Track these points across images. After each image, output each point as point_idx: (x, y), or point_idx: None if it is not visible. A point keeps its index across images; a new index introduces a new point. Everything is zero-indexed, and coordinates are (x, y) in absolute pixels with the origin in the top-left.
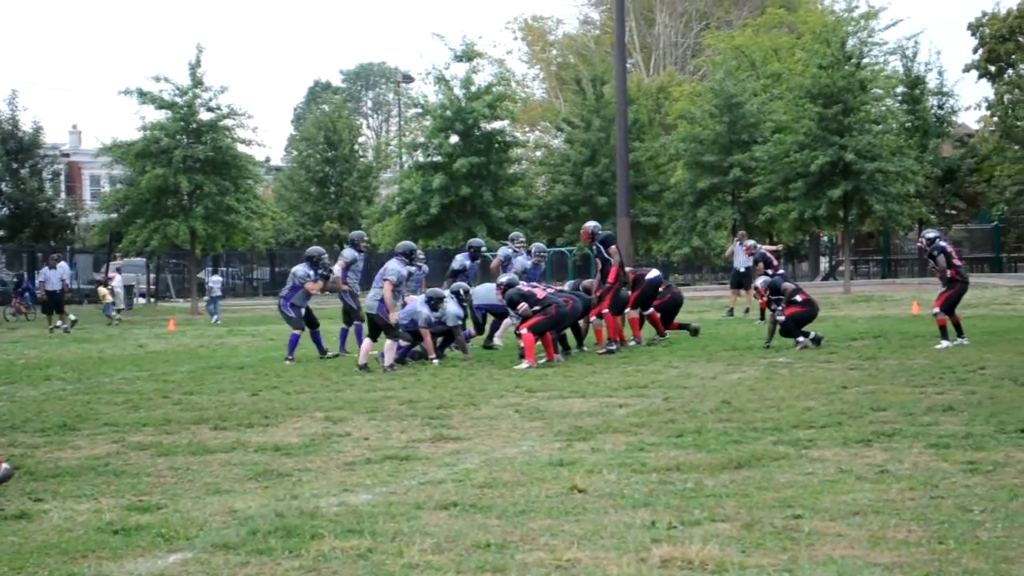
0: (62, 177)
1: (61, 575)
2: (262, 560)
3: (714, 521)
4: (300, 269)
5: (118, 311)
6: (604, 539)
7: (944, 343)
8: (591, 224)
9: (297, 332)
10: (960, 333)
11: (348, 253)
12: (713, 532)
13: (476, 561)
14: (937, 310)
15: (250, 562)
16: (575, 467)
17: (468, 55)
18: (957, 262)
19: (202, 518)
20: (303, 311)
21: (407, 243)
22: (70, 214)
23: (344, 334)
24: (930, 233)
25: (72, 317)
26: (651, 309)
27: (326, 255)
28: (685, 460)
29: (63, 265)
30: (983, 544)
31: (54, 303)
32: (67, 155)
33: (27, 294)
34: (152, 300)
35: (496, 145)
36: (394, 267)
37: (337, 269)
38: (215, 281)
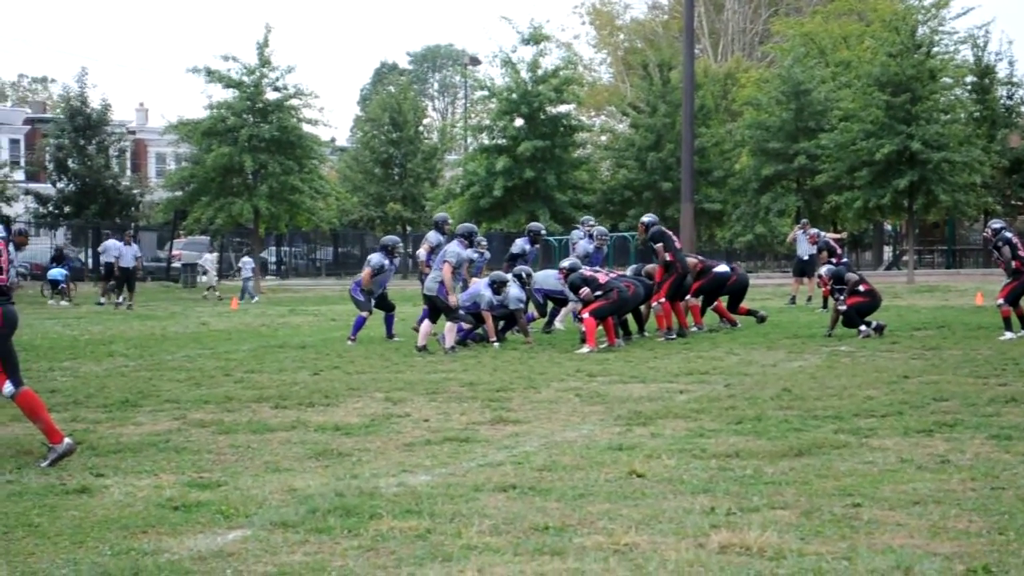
0: (128, 154)
1: (121, 550)
2: (321, 539)
3: (773, 508)
4: (375, 257)
5: (212, 289)
6: (663, 524)
7: (1008, 335)
8: (646, 218)
9: (364, 315)
10: None
11: (433, 236)
12: (772, 519)
13: (534, 544)
14: (1001, 301)
15: (309, 540)
16: (634, 452)
17: (535, 38)
18: (1022, 253)
19: (261, 496)
20: (374, 297)
21: (468, 225)
22: (135, 191)
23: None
24: (996, 224)
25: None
26: (716, 301)
27: (401, 244)
28: (745, 447)
29: (135, 244)
30: None
31: (126, 279)
32: (133, 132)
33: (65, 268)
34: (215, 278)
35: (561, 129)
36: (454, 249)
37: (422, 252)
38: (244, 262)
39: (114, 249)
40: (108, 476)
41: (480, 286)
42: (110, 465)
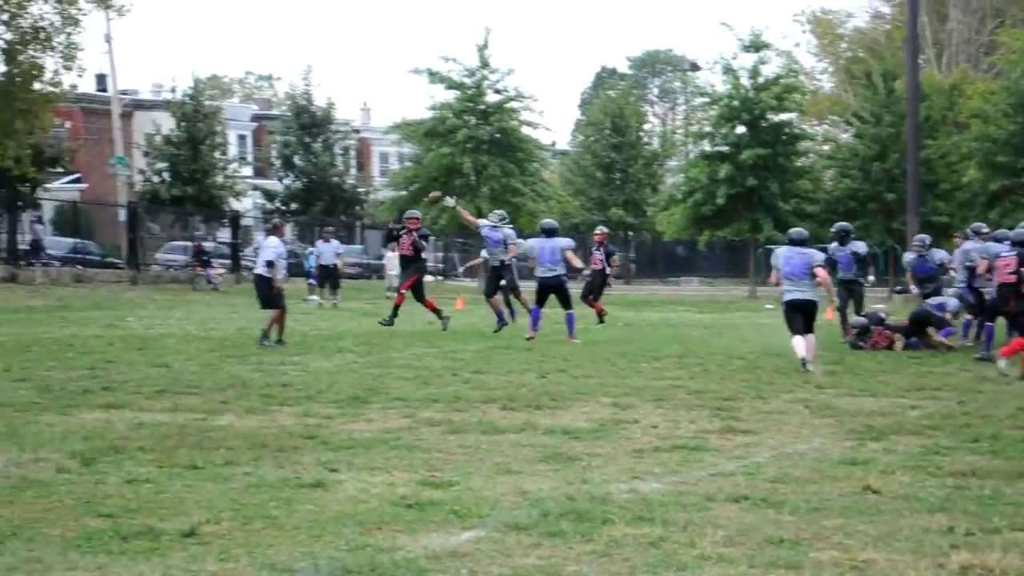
0: (352, 153)
1: (357, 546)
2: (554, 542)
3: (1014, 530)
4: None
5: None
6: (900, 542)
7: None
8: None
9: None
10: None
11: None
12: (1014, 541)
13: (769, 556)
14: None
15: (542, 544)
16: (868, 467)
17: (756, 45)
18: None
19: (493, 497)
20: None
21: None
22: (360, 190)
23: None
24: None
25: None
26: None
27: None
28: (982, 466)
29: (335, 241)
30: None
31: (327, 277)
32: (358, 131)
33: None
34: (440, 278)
35: (783, 137)
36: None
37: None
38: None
39: (316, 248)
40: (342, 471)
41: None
42: (343, 461)
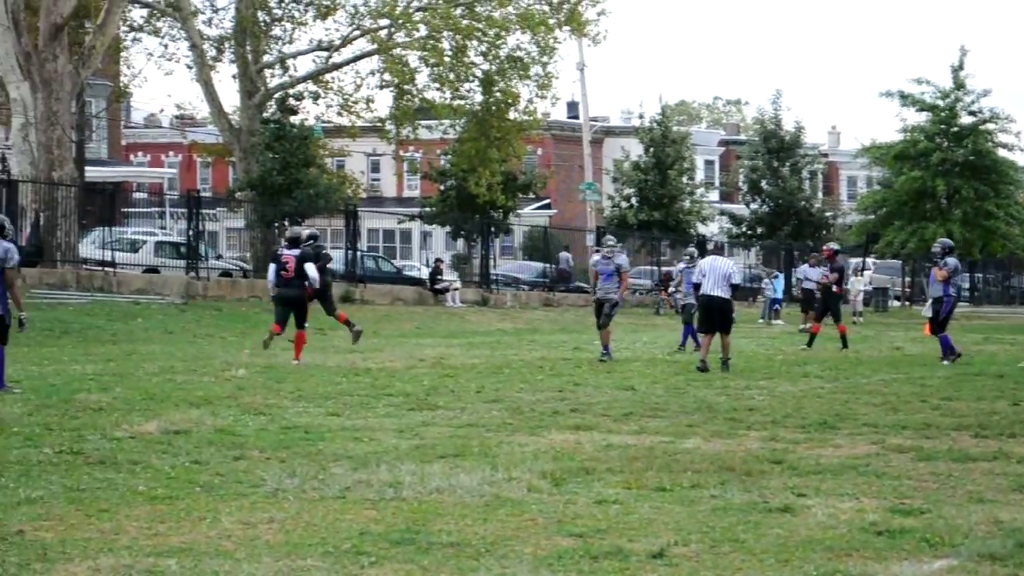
0: (820, 177)
1: (826, 572)
2: None
3: None
4: None
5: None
6: None
7: None
8: None
9: None
10: None
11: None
12: None
13: None
14: None
15: (1018, 574)
16: None
17: None
18: None
19: (966, 526)
20: None
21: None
22: (827, 214)
23: None
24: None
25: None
26: None
27: None
28: None
29: (820, 267)
30: None
31: (809, 302)
32: (826, 155)
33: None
34: (906, 303)
35: None
36: None
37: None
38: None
39: (800, 271)
40: (810, 497)
41: None
42: (811, 486)
